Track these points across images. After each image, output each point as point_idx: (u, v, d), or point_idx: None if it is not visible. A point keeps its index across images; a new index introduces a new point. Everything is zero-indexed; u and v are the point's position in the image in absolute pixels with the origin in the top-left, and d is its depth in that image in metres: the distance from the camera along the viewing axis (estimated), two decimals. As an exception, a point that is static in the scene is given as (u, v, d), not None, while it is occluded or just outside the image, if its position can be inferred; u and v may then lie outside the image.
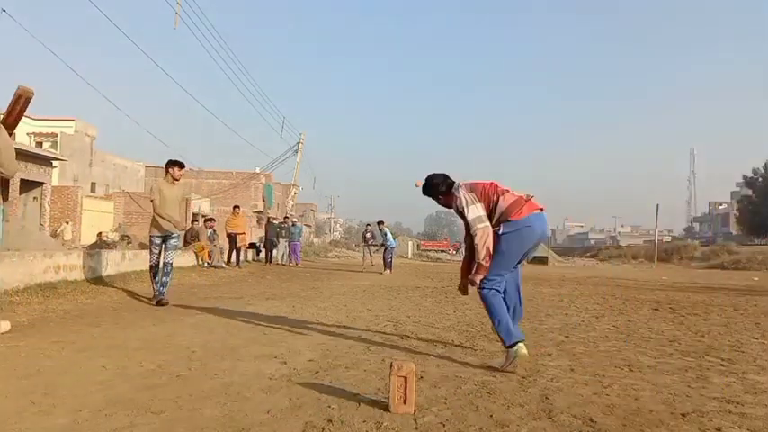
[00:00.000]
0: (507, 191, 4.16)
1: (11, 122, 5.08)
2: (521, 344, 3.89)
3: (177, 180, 7.68)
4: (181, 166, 7.75)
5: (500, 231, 4.05)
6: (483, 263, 3.99)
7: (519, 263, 4.24)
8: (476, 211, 4.07)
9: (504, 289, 4.13)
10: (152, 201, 7.53)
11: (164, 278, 7.38)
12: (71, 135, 31.96)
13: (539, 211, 4.12)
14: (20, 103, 5.07)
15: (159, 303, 7.15)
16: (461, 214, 4.19)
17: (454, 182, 4.37)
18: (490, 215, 4.09)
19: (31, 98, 5.15)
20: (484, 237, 3.99)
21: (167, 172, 7.68)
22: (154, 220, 7.50)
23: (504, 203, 4.07)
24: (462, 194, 4.17)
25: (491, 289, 4.03)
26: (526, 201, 4.10)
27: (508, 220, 4.03)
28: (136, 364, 3.82)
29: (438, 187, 4.41)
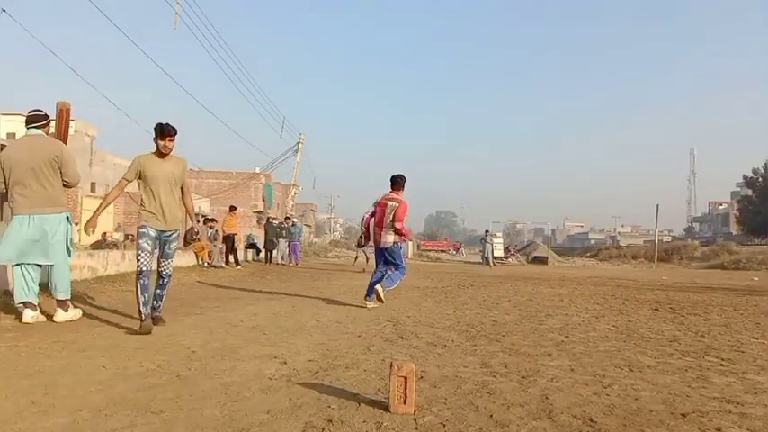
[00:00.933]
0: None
1: (63, 137, 6.02)
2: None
3: (165, 155, 5.32)
4: (170, 134, 5.26)
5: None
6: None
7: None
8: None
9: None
10: (123, 180, 5.36)
11: (158, 291, 5.54)
12: (71, 135, 31.73)
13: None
14: (63, 117, 5.78)
15: (144, 329, 4.95)
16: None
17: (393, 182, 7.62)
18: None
19: (69, 109, 5.91)
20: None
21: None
22: (143, 207, 5.35)
23: None
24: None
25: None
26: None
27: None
28: (136, 363, 3.82)
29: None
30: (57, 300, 5.48)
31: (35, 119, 5.42)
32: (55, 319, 5.39)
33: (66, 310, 5.49)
